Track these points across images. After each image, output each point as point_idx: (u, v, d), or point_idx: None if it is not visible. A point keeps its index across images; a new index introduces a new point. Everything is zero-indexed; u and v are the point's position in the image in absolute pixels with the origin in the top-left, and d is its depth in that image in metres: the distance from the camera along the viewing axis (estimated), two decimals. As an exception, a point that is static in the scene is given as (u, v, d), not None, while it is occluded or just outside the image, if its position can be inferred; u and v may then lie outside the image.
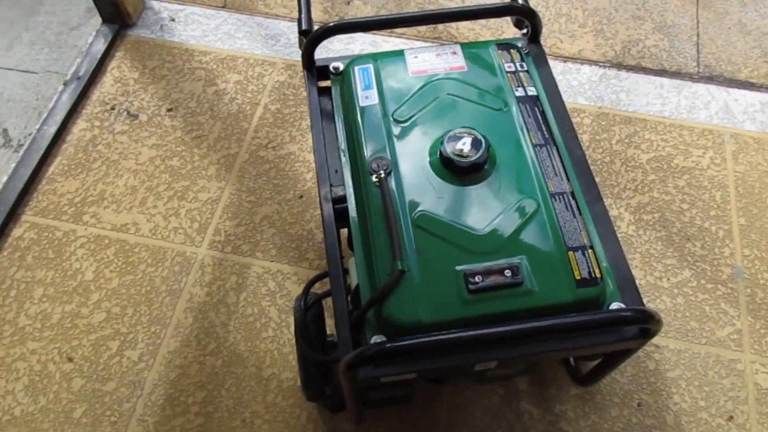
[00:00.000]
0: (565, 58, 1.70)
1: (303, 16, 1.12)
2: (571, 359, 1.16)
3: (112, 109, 1.60)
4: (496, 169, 0.92)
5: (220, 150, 1.54)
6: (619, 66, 1.69)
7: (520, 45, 1.08)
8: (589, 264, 0.85)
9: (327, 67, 1.09)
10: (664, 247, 1.41)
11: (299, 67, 1.66)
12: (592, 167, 1.50)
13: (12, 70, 1.70)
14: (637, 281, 1.35)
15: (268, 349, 1.29)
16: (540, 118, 0.98)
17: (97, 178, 1.50)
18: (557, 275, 0.84)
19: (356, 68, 1.04)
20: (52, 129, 1.55)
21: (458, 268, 0.85)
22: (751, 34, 1.74)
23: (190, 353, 1.29)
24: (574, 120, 1.58)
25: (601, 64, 1.69)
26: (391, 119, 0.98)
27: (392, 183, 0.91)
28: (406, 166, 0.93)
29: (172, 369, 1.27)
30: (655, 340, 1.29)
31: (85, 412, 1.23)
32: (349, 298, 0.93)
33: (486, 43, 1.07)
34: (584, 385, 1.14)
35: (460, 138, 0.92)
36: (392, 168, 0.92)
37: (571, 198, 0.91)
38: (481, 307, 0.83)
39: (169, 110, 1.60)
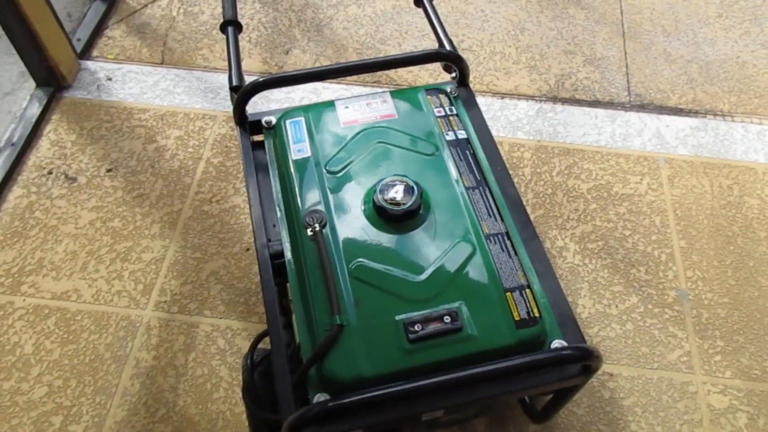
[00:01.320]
0: (503, 95, 1.74)
1: (233, 72, 1.12)
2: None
3: (50, 173, 1.56)
4: (431, 215, 0.93)
5: (162, 208, 1.51)
6: (555, 99, 1.73)
7: (449, 89, 1.11)
8: (528, 304, 0.86)
9: (260, 121, 1.09)
10: (610, 274, 1.43)
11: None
12: (535, 200, 1.53)
13: (-57, 139, 1.65)
14: (586, 310, 1.37)
15: (220, 410, 1.25)
16: (472, 160, 0.99)
17: (34, 246, 1.45)
18: (496, 318, 0.84)
19: (287, 122, 1.04)
20: (-15, 198, 1.51)
21: (398, 317, 0.84)
22: (677, 62, 1.82)
23: (139, 422, 1.24)
24: (514, 155, 1.61)
25: (537, 98, 1.74)
26: (325, 171, 0.98)
27: (328, 235, 0.91)
28: (341, 218, 0.93)
29: (120, 440, 1.22)
30: (608, 368, 1.31)
31: (27, 496, 1.16)
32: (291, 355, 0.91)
33: (415, 89, 1.09)
34: (539, 421, 1.14)
35: (392, 186, 0.92)
36: (327, 220, 0.92)
37: (506, 238, 0.91)
38: (422, 356, 0.82)
39: (109, 170, 1.57)
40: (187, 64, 1.78)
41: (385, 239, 0.91)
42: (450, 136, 1.02)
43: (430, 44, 1.83)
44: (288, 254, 0.94)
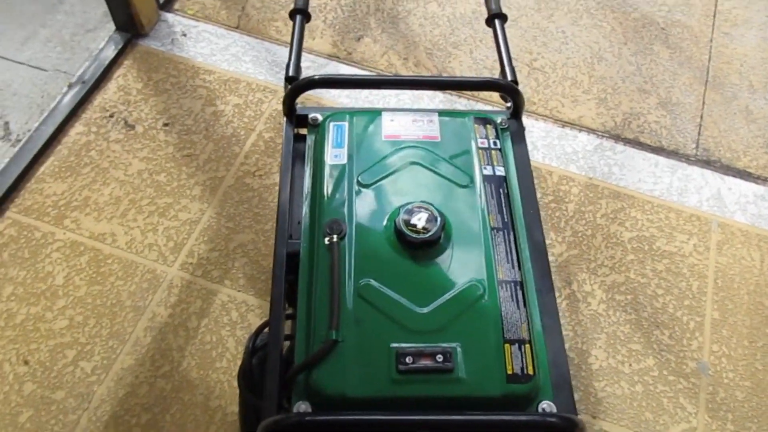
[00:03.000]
0: (564, 123, 1.69)
1: (292, 62, 1.13)
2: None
3: (111, 116, 1.63)
4: (449, 249, 0.92)
5: (207, 171, 1.56)
6: (617, 138, 1.68)
7: (499, 120, 1.09)
8: (524, 359, 0.85)
9: (307, 116, 1.10)
10: (632, 331, 1.39)
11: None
12: (572, 238, 1.50)
13: (23, 64, 1.74)
14: (598, 362, 1.34)
15: (219, 379, 1.30)
16: (504, 200, 0.98)
17: (84, 184, 1.52)
18: (489, 367, 0.84)
19: (331, 124, 1.05)
20: (50, 129, 1.59)
21: (393, 345, 0.84)
22: (757, 122, 1.72)
23: (143, 373, 1.30)
24: (562, 188, 1.57)
25: (599, 133, 1.68)
26: (356, 181, 0.98)
27: (344, 247, 0.92)
28: (360, 232, 0.93)
29: (122, 386, 1.28)
30: (606, 426, 1.28)
31: (31, 418, 1.24)
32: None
33: (464, 114, 1.07)
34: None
35: (417, 212, 0.92)
36: (346, 232, 0.93)
37: (518, 288, 0.90)
38: (407, 389, 0.82)
39: (166, 125, 1.62)
40: (260, 33, 1.81)
41: (399, 264, 0.91)
42: (487, 171, 1.00)
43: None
44: (303, 255, 0.95)
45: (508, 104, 1.13)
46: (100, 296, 1.38)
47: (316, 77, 1.07)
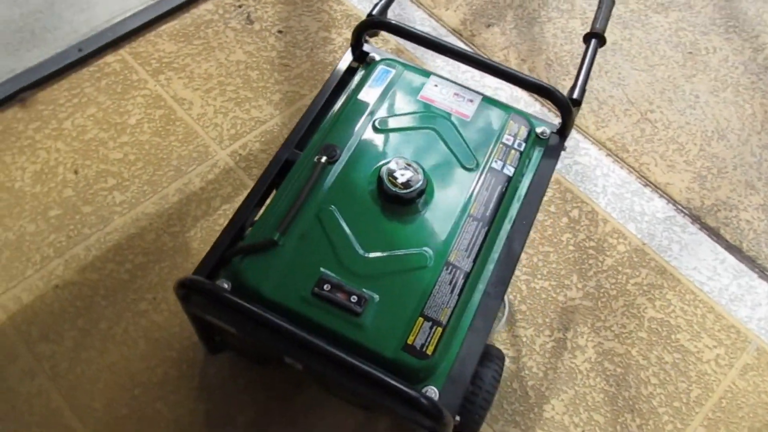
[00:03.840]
0: (647, 182, 1.59)
1: (381, 3, 1.17)
2: None
3: (239, 6, 1.77)
4: (419, 214, 0.93)
5: (294, 85, 1.65)
6: (695, 219, 1.55)
7: (540, 129, 1.06)
8: (429, 338, 0.84)
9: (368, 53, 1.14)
10: (604, 402, 1.31)
11: (406, 55, 1.72)
12: (593, 291, 1.43)
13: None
14: (552, 412, 1.29)
15: (211, 258, 1.40)
16: (497, 197, 0.96)
17: (189, 53, 1.68)
18: (393, 329, 0.85)
19: (380, 66, 1.08)
20: (186, -3, 1.75)
21: (321, 269, 0.88)
22: None
23: (156, 223, 1.43)
24: (609, 240, 1.49)
25: (679, 207, 1.56)
26: (371, 123, 1.01)
27: (328, 171, 0.96)
28: (349, 166, 0.97)
29: (136, 227, 1.42)
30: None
31: (58, 216, 1.42)
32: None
33: (506, 108, 1.06)
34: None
35: (406, 168, 0.93)
36: (338, 160, 0.97)
37: (462, 277, 0.89)
38: (312, 311, 0.86)
39: (280, 32, 1.73)
40: (401, -15, 1.86)
41: (367, 207, 0.93)
42: (496, 165, 0.99)
43: (615, 95, 1.70)
44: (296, 165, 1.00)
45: (559, 120, 1.09)
46: (156, 147, 1.53)
47: (387, 20, 1.10)
